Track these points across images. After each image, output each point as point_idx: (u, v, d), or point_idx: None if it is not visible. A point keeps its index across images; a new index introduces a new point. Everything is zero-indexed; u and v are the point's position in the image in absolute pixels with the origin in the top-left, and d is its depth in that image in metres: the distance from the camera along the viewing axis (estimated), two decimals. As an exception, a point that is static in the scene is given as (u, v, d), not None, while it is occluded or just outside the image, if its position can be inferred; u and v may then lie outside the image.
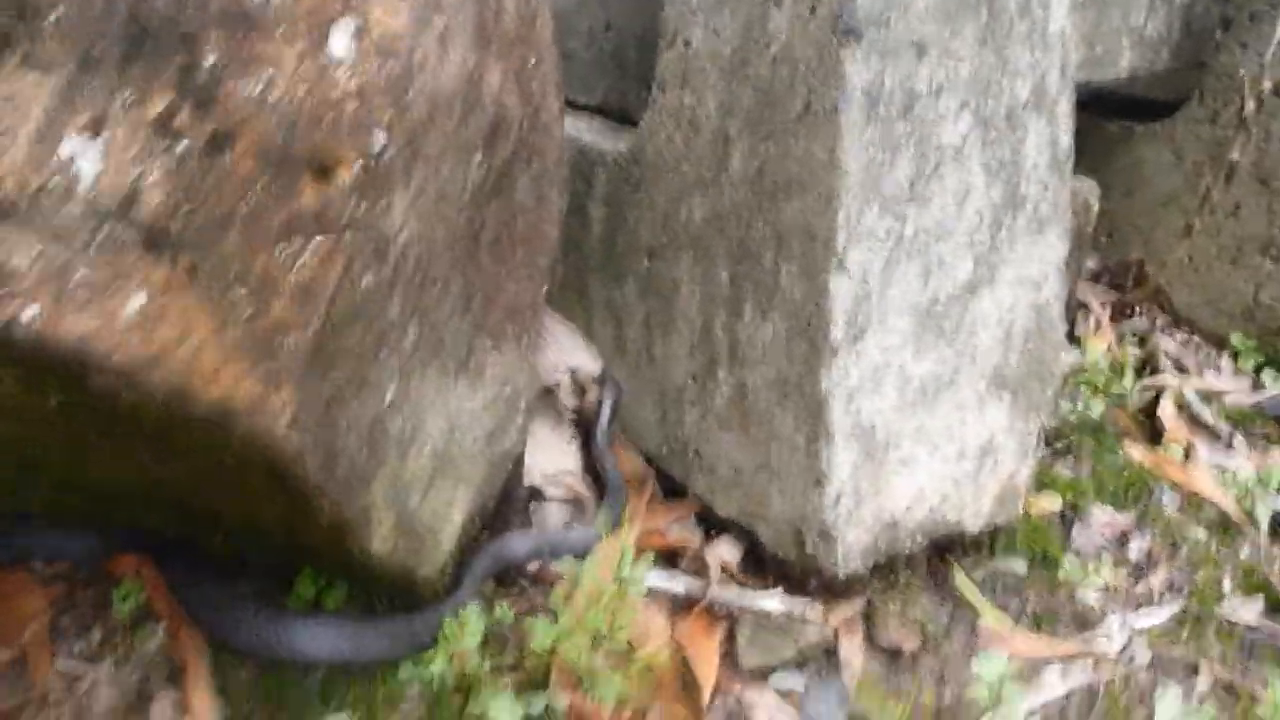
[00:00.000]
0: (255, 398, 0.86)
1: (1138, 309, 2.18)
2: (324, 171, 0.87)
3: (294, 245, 0.87)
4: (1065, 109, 1.34)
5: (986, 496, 1.43)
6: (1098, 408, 1.75)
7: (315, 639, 1.18)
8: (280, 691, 1.18)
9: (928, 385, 1.33)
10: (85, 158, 0.83)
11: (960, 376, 1.35)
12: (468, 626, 1.20)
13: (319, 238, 0.88)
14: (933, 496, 1.38)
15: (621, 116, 1.71)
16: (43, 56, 0.83)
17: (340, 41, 0.88)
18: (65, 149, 0.82)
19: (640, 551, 1.46)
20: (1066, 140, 1.36)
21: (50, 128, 0.82)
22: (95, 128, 0.83)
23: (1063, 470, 1.66)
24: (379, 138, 0.89)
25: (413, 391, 1.11)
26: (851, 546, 1.32)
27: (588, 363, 1.54)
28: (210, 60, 0.84)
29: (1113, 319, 2.16)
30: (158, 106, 0.84)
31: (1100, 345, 2.02)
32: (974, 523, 1.43)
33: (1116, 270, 2.25)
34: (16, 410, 0.92)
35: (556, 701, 1.22)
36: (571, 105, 1.75)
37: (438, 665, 1.19)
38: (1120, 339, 2.08)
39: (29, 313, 0.81)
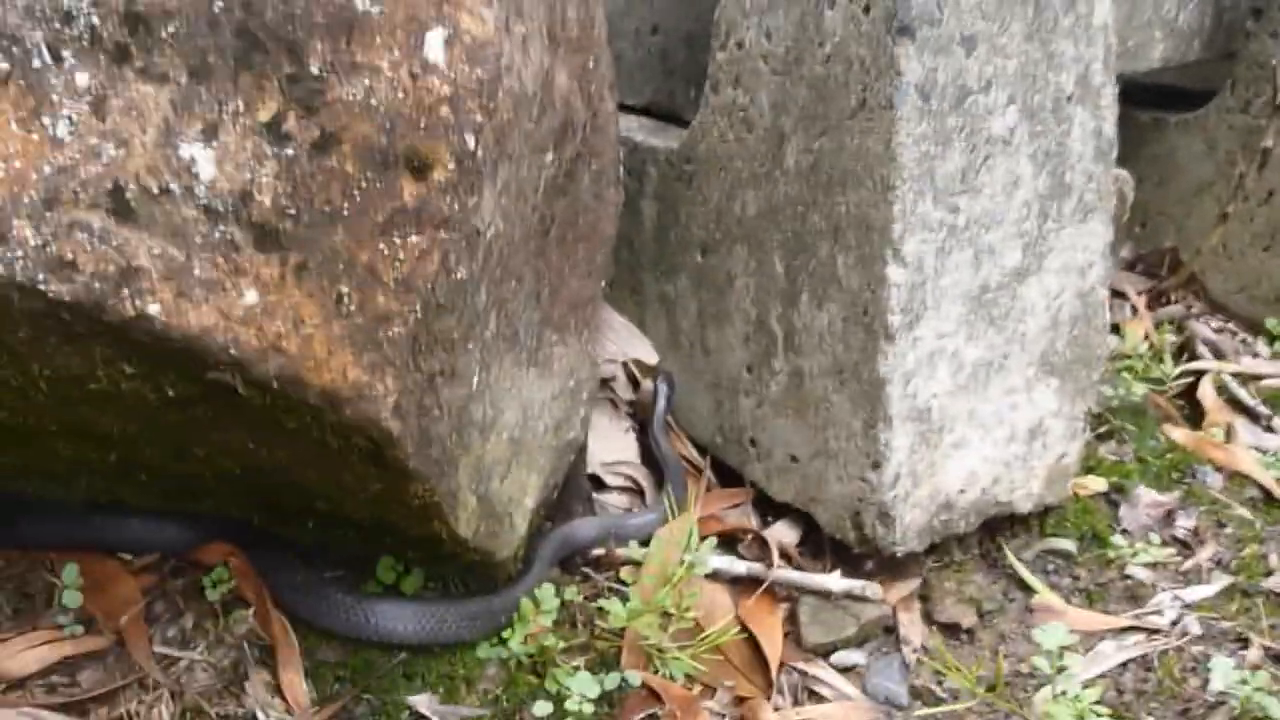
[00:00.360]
0: (361, 385, 0.92)
1: (1173, 296, 2.22)
2: (421, 170, 0.93)
3: (395, 241, 0.92)
4: (1108, 100, 1.39)
5: (1036, 478, 1.47)
6: (1139, 391, 1.79)
7: (401, 619, 1.23)
8: (366, 671, 1.24)
9: (979, 370, 1.37)
10: (201, 162, 0.88)
11: (1010, 361, 1.39)
12: (543, 605, 1.25)
13: (417, 234, 0.93)
14: (985, 478, 1.42)
15: (669, 116, 1.76)
16: (159, 68, 0.89)
17: (434, 48, 0.93)
18: (183, 154, 0.88)
19: (703, 536, 1.52)
20: (1110, 130, 1.40)
21: (168, 135, 0.88)
22: (210, 133, 0.88)
23: (1107, 453, 1.70)
24: (470, 138, 0.95)
25: (492, 380, 1.16)
26: (909, 527, 1.37)
27: (645, 354, 1.59)
28: (315, 67, 0.90)
29: (1149, 306, 2.19)
30: (268, 112, 0.89)
31: (1138, 332, 2.06)
32: (1025, 503, 1.47)
33: (1152, 259, 2.28)
34: (131, 402, 0.97)
35: (630, 678, 1.26)
36: (621, 106, 1.80)
37: (515, 643, 1.24)
38: (1157, 326, 2.11)
39: (153, 308, 0.87)
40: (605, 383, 1.66)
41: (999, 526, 1.49)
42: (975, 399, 1.38)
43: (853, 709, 1.27)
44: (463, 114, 0.94)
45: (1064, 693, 1.16)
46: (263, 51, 0.90)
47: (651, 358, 1.60)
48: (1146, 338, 2.08)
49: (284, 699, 1.20)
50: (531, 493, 1.32)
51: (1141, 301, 2.19)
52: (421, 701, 1.22)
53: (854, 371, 1.34)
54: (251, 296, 0.89)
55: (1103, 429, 1.75)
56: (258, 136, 0.89)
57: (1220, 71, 2.21)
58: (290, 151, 0.90)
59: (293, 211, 0.90)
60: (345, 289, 0.91)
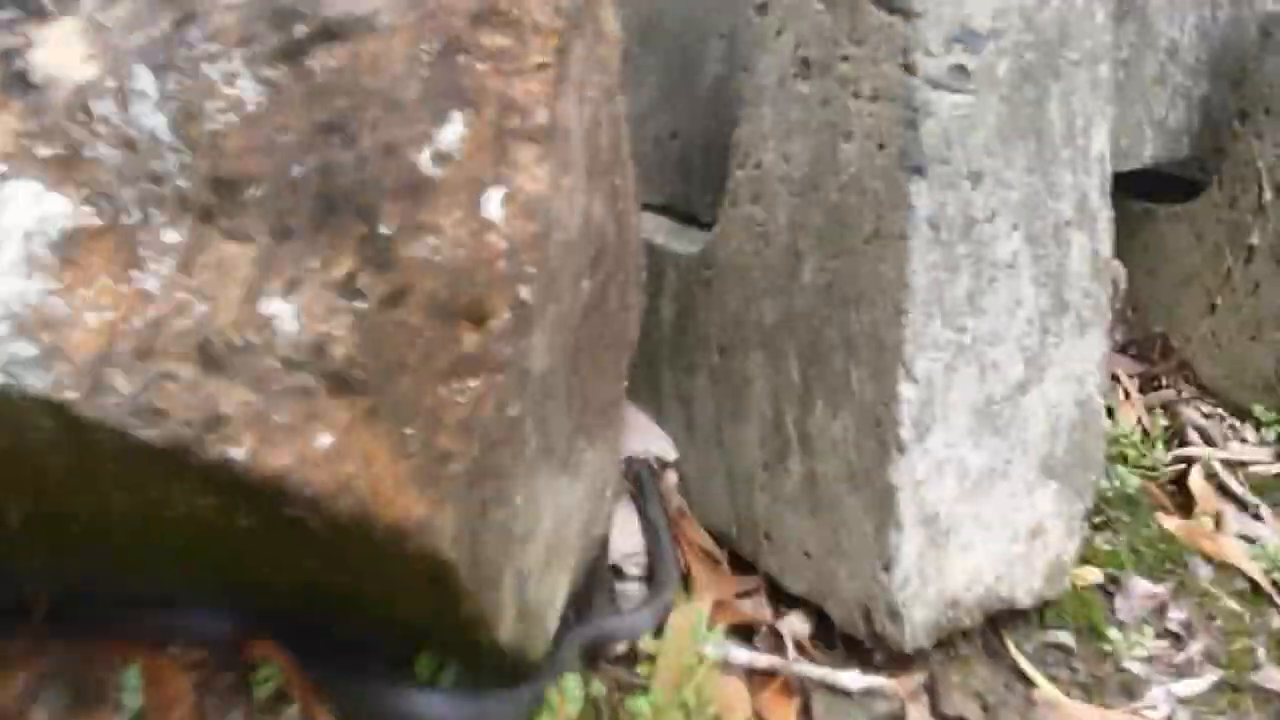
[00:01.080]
0: (424, 519, 0.99)
1: (1164, 380, 2.31)
2: (480, 320, 1.01)
3: (455, 386, 1.00)
4: (1104, 223, 1.48)
5: (1036, 574, 1.55)
6: (1133, 482, 1.87)
7: (444, 710, 1.30)
8: (407, 765, 1.30)
9: (984, 476, 1.45)
10: (282, 316, 0.97)
11: (1012, 467, 1.48)
12: (568, 694, 1.32)
13: (473, 379, 1.01)
14: (989, 576, 1.50)
15: (687, 217, 1.85)
16: (242, 228, 0.97)
17: (492, 206, 1.02)
18: (265, 308, 0.96)
19: (715, 624, 1.59)
20: (1106, 250, 1.50)
21: (251, 290, 0.96)
22: (289, 289, 0.97)
23: (1103, 543, 1.78)
24: (524, 290, 1.03)
25: (532, 494, 1.24)
26: (918, 625, 1.45)
27: (665, 450, 1.67)
28: (386, 228, 0.98)
29: (1141, 390, 2.28)
30: (343, 269, 0.98)
31: (1131, 416, 2.15)
32: (1025, 598, 1.55)
33: (1143, 343, 2.38)
34: (205, 528, 1.05)
35: (655, 775, 1.33)
36: (642, 205, 1.90)
37: (546, 733, 1.31)
38: (1149, 410, 2.20)
39: (236, 452, 0.95)
40: (623, 475, 1.74)
41: (1001, 619, 1.57)
42: (980, 503, 1.46)
43: (866, 804, 1.34)
44: (518, 267, 1.02)
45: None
46: (338, 214, 0.98)
47: (671, 454, 1.68)
48: (1139, 422, 2.17)
49: (330, 794, 1.26)
50: (562, 592, 1.40)
51: (1134, 385, 2.29)
52: (458, 795, 1.28)
53: (866, 478, 1.43)
54: (326, 440, 0.97)
55: (1098, 519, 1.83)
56: (333, 292, 0.98)
57: (1211, 163, 2.32)
58: (363, 305, 0.98)
59: (364, 360, 0.98)
60: (410, 431, 0.99)
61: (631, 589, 1.68)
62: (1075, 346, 1.50)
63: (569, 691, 1.35)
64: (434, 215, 1.00)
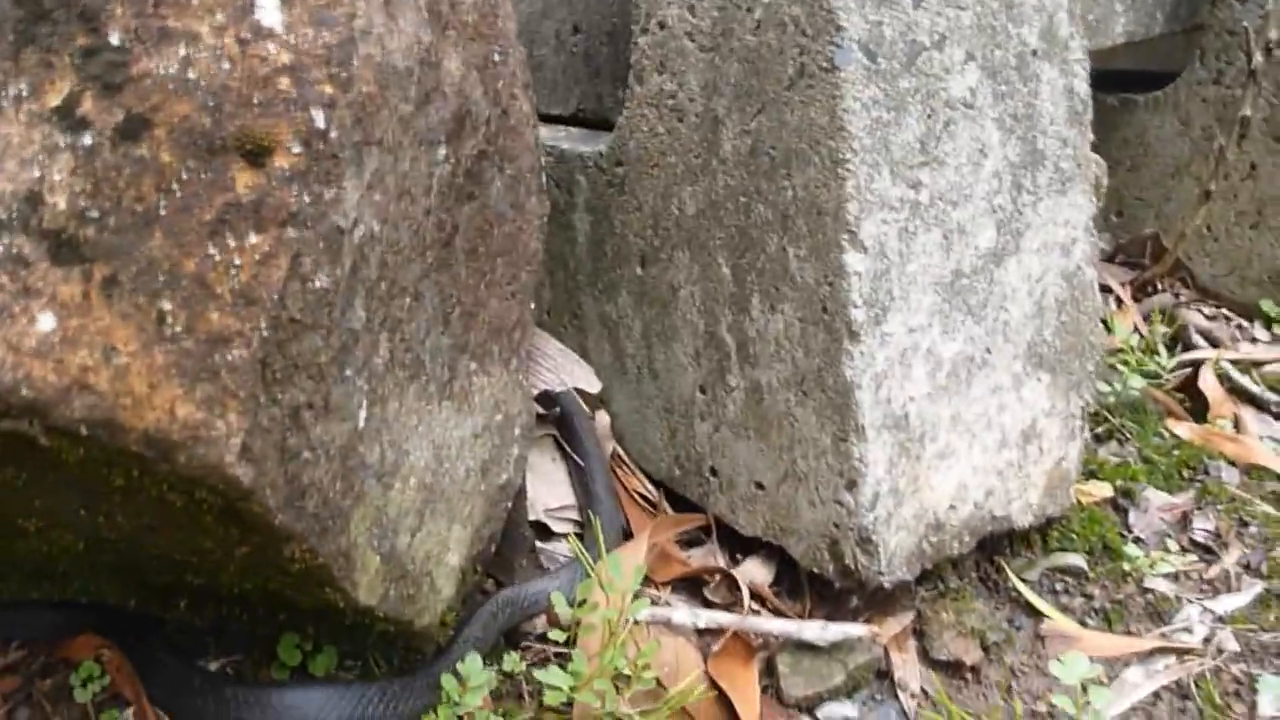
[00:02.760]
0: (195, 424, 0.73)
1: (1159, 285, 2.06)
2: (258, 156, 0.75)
3: (228, 243, 0.74)
4: (1078, 53, 1.24)
5: (1034, 487, 1.30)
6: (1136, 385, 1.62)
7: (297, 710, 1.04)
8: (269, 773, 1.04)
9: (959, 367, 1.20)
10: (-24, 160, 0.71)
11: (993, 356, 1.23)
12: (470, 681, 1.06)
13: (256, 234, 0.75)
14: (976, 491, 1.24)
15: (599, 123, 1.60)
16: (-80, 50, 0.71)
17: (267, 8, 0.76)
18: (-48, 151, 0.70)
19: (664, 581, 1.34)
20: (1083, 89, 1.25)
21: (-67, 128, 0.71)
22: (-14, 125, 0.71)
23: (1109, 455, 1.53)
24: (319, 116, 0.78)
25: (390, 416, 0.98)
26: (895, 552, 1.19)
27: (586, 382, 1.42)
28: (116, 37, 0.73)
29: (1135, 298, 2.04)
30: (58, 95, 0.72)
31: (1127, 324, 1.90)
32: (1023, 517, 1.30)
33: (1132, 248, 2.13)
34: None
35: (582, 756, 1.08)
36: (546, 118, 1.64)
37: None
38: (1146, 317, 1.96)
39: (-82, 344, 0.69)
40: (543, 418, 1.49)
41: (997, 545, 1.32)
42: (958, 401, 1.21)
43: (846, 772, 1.08)
44: (307, 86, 0.77)
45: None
46: (49, 22, 0.73)
47: (594, 386, 1.42)
48: (1136, 330, 1.92)
49: (167, 814, 1.00)
50: (456, 548, 1.14)
51: (1127, 293, 2.04)
52: (335, 805, 1.02)
53: (817, 379, 1.17)
54: (47, 322, 0.71)
55: (1101, 429, 1.58)
56: (47, 125, 0.72)
57: (1184, 48, 2.09)
58: (88, 141, 0.72)
59: (95, 214, 0.72)
60: (168, 306, 0.73)
61: (560, 549, 1.42)
62: (1056, 206, 1.25)
63: (471, 675, 1.09)
64: (184, 18, 0.75)
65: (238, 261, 0.75)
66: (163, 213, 0.73)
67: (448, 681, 1.06)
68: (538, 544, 1.40)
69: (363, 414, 0.92)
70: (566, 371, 1.41)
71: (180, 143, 0.74)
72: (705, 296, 1.31)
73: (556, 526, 1.43)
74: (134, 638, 1.11)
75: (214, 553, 0.87)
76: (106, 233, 0.72)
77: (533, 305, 1.34)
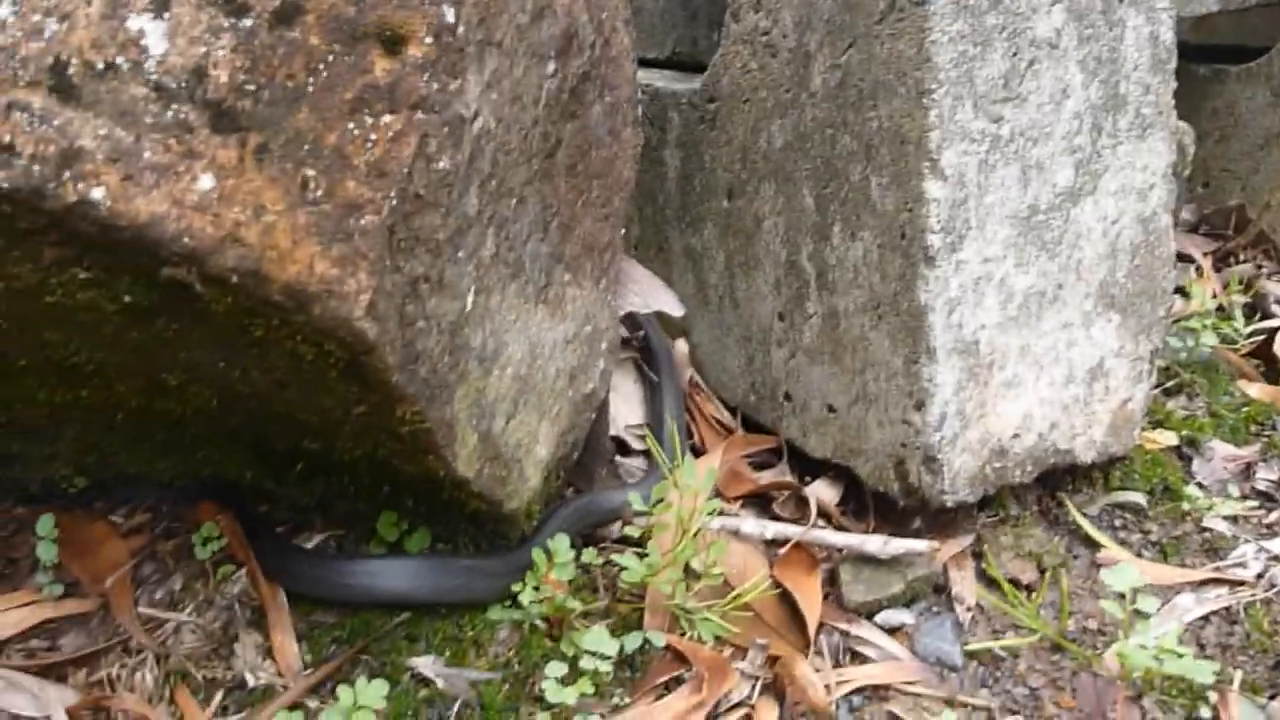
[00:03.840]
0: (330, 280, 0.82)
1: (1241, 255, 2.07)
2: (394, 45, 0.84)
3: (365, 120, 0.83)
4: (1164, 2, 1.27)
5: (1099, 424, 1.34)
6: (1208, 343, 1.65)
7: (390, 579, 1.13)
8: (364, 633, 1.14)
9: (1031, 300, 1.25)
10: (151, 36, 0.80)
11: (1065, 292, 1.27)
12: (558, 557, 1.15)
13: (391, 114, 0.84)
14: (1041, 423, 1.29)
15: (693, 66, 1.67)
16: (106, -62, 0.81)
17: (408, -88, 0.85)
18: (131, 26, 0.80)
19: (734, 496, 1.41)
20: (1167, 37, 1.28)
21: (115, 5, 0.80)
22: (160, 4, 0.80)
23: (1176, 408, 1.56)
24: (449, 11, 0.86)
25: (493, 307, 1.06)
26: (959, 473, 1.24)
27: (670, 306, 1.49)
28: (275, -68, 0.82)
29: (1215, 267, 2.05)
30: (224, -20, 0.81)
31: (1205, 291, 1.92)
32: (1086, 452, 1.34)
33: (1216, 218, 2.14)
34: (91, 318, 0.89)
35: (653, 638, 1.15)
36: (642, 61, 1.71)
37: (528, 602, 1.14)
38: (1225, 286, 1.97)
39: (97, 193, 0.78)
40: (627, 342, 1.57)
41: (1059, 479, 1.36)
42: (1028, 333, 1.26)
43: (900, 669, 1.14)
44: (440, -16, 0.85)
45: (1140, 642, 1.02)
46: (219, -85, 0.82)
47: (677, 310, 1.49)
48: (1215, 297, 1.93)
49: (275, 662, 1.10)
50: (544, 442, 1.22)
51: (1208, 262, 2.05)
52: (425, 664, 1.11)
53: (892, 303, 1.23)
54: (207, 181, 0.80)
55: (1170, 383, 1.61)
56: (213, 8, 0.81)
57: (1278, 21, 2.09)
58: (249, 23, 0.81)
59: (251, 88, 0.81)
60: (311, 173, 0.82)
61: (636, 465, 1.50)
62: (1135, 151, 1.28)
63: (558, 551, 1.17)
64: (334, -82, 0.83)
65: (373, 137, 0.83)
66: (310, 90, 0.82)
67: (536, 555, 1.14)
68: (616, 458, 1.48)
69: (470, 298, 1.01)
70: (652, 295, 1.49)
71: (328, 28, 0.82)
72: (788, 227, 1.37)
73: (634, 443, 1.51)
74: (248, 515, 1.21)
75: (334, 412, 0.96)
76: (261, 105, 0.81)
77: (623, 231, 1.42)
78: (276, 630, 1.12)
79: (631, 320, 1.57)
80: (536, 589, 1.14)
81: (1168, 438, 1.48)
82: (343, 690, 0.99)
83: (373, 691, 0.99)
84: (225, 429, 1.09)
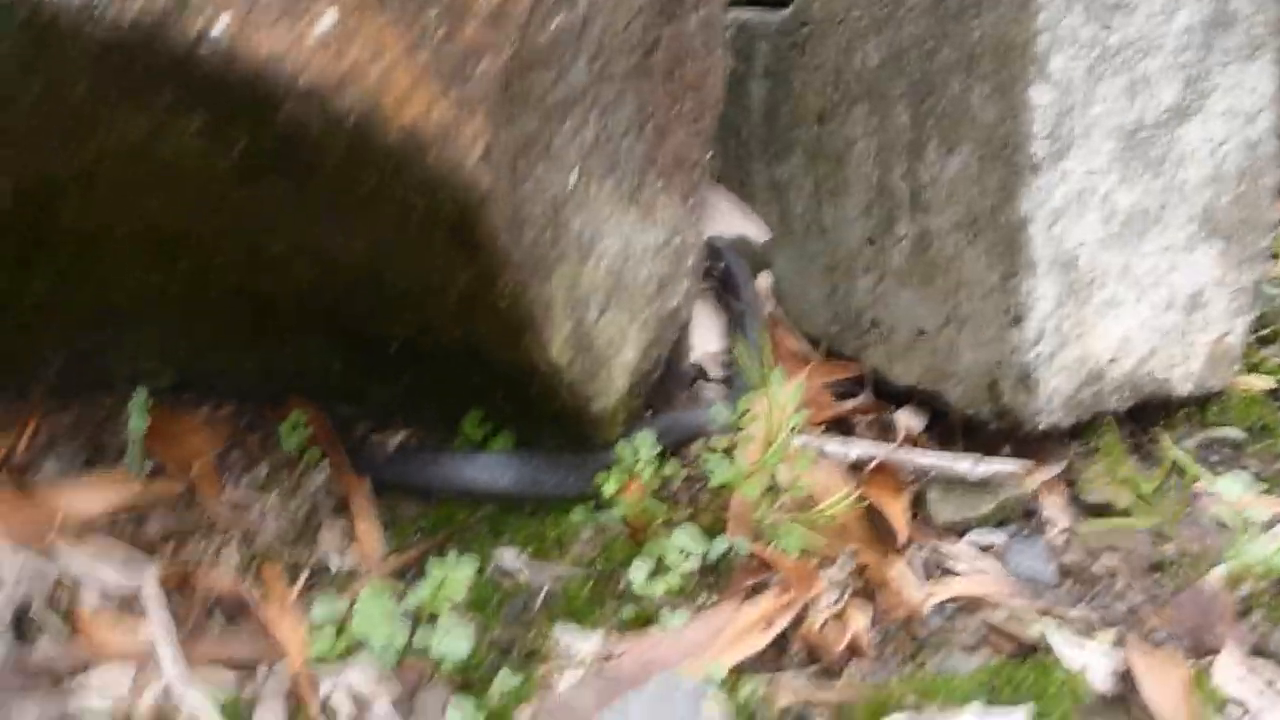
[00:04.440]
0: (447, 124, 0.82)
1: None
2: (516, -107, 0.83)
3: (487, -33, 0.82)
4: (1281, -82, 1.24)
5: (1196, 356, 1.31)
6: (1304, 294, 1.61)
7: (476, 471, 1.13)
8: (448, 524, 1.13)
9: (1134, 218, 1.22)
10: (276, -127, 0.80)
11: (1168, 213, 1.24)
12: (642, 453, 1.13)
13: (511, -37, 0.83)
14: (1140, 347, 1.26)
15: (778, 3, 1.65)
16: None
17: None
18: None
19: (816, 422, 1.38)
20: (1282, -45, 1.25)
21: None
22: None
23: (1271, 355, 1.52)
24: None
25: (591, 195, 1.05)
26: (1053, 395, 1.22)
27: (754, 231, 1.48)
28: None
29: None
30: None
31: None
32: (1183, 384, 1.31)
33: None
34: (199, 179, 0.89)
35: (739, 544, 1.13)
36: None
37: (610, 486, 1.12)
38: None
39: (218, 27, 0.78)
40: (708, 272, 1.55)
41: (1153, 414, 1.33)
42: (1129, 252, 1.23)
43: (993, 583, 1.12)
44: None
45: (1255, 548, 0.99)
46: None
47: (761, 235, 1.48)
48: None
49: (359, 548, 1.10)
50: (632, 347, 1.21)
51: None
52: (508, 556, 1.10)
53: (990, 218, 1.20)
54: (328, 20, 0.80)
55: (1265, 330, 1.57)
56: None
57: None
58: None
59: (375, -71, 0.81)
60: (432, 15, 0.81)
61: (714, 392, 1.48)
62: (1244, 72, 1.25)
63: (643, 447, 1.15)
64: None
65: (493, -16, 0.82)
66: (432, -68, 0.81)
67: (622, 449, 1.13)
68: (696, 383, 1.46)
69: (573, 176, 1.00)
70: (735, 220, 1.48)
71: (450, -127, 0.82)
72: (881, 147, 1.35)
73: (713, 370, 1.49)
74: (334, 414, 1.21)
75: (436, 281, 0.95)
76: (383, -54, 0.81)
77: (710, 153, 1.40)
78: (361, 518, 1.12)
79: (712, 250, 1.56)
80: (619, 486, 1.13)
81: (1264, 382, 1.43)
82: (434, 564, 0.98)
83: (462, 570, 0.98)
84: (319, 310, 1.09)
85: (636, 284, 1.19)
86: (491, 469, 1.13)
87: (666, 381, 1.42)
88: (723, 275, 1.55)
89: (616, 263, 1.13)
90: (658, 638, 1.02)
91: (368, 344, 1.13)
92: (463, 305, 0.98)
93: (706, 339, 1.51)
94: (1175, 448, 1.30)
